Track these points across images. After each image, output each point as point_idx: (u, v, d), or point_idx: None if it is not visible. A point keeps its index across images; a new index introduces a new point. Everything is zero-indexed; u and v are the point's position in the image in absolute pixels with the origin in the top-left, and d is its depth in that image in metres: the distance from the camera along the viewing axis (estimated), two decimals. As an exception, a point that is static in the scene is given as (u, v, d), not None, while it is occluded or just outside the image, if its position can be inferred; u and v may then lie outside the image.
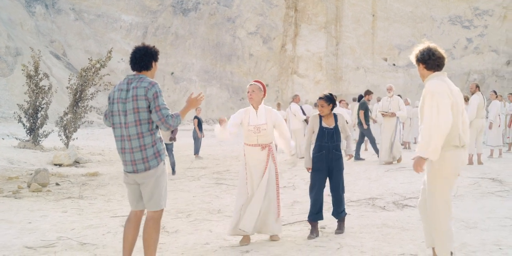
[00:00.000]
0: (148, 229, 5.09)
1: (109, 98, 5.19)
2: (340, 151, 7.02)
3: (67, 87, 18.84)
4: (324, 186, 6.96)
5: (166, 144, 12.95)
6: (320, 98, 7.05)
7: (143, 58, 5.13)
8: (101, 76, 18.83)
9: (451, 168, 4.84)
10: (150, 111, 4.96)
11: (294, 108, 16.99)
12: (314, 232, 6.83)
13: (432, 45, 5.04)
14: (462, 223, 7.21)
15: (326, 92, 7.26)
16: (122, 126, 5.03)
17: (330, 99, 6.97)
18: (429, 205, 4.97)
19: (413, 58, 5.13)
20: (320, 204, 6.94)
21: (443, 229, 4.84)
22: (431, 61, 4.97)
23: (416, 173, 4.97)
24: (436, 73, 5.01)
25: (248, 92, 6.77)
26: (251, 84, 6.82)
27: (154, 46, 5.26)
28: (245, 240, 6.63)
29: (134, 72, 5.20)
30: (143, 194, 5.12)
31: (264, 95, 6.86)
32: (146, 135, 4.97)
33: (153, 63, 5.20)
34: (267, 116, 6.72)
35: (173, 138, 13.57)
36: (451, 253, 4.78)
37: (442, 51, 5.04)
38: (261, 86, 6.81)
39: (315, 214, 6.88)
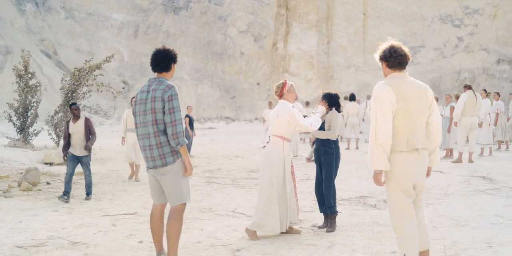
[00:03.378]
0: (171, 220, 5.37)
1: (135, 100, 5.58)
2: (327, 147, 7.24)
3: (61, 89, 18.75)
4: (320, 179, 7.32)
5: (79, 156, 10.21)
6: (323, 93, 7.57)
7: (164, 60, 5.47)
8: (95, 77, 18.76)
9: (399, 171, 4.72)
10: (164, 112, 5.27)
11: (299, 107, 16.84)
12: (323, 222, 7.27)
13: (396, 43, 4.87)
14: (452, 221, 7.24)
15: (329, 91, 7.69)
16: (142, 125, 5.38)
17: (324, 96, 7.40)
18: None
19: (376, 57, 4.97)
20: (319, 196, 7.35)
21: (396, 231, 4.79)
22: (392, 58, 4.80)
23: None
24: (395, 74, 4.85)
25: (293, 92, 6.98)
26: (292, 84, 7.03)
27: (173, 49, 5.59)
28: (254, 235, 6.81)
29: (155, 74, 5.52)
30: (164, 189, 5.43)
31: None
32: (161, 134, 5.30)
33: (172, 65, 5.54)
34: None
35: (88, 147, 10.21)
36: (404, 255, 4.69)
37: (406, 49, 4.87)
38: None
39: (319, 206, 7.39)
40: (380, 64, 4.97)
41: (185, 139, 5.28)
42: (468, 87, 13.89)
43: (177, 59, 5.59)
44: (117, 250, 6.30)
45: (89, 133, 10.31)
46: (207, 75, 42.50)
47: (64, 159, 10.61)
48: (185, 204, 5.46)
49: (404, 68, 4.87)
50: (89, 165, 10.41)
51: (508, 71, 37.84)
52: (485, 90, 16.70)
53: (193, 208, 8.90)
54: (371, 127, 4.76)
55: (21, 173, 12.66)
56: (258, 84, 42.20)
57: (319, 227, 7.18)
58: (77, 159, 10.27)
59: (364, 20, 42.43)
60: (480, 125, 15.26)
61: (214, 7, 43.38)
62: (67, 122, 10.43)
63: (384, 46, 4.91)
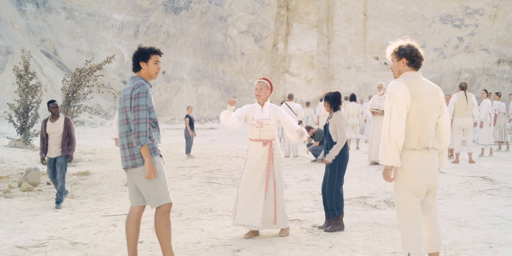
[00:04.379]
0: (157, 223, 5.25)
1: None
2: (329, 150, 7.19)
3: (62, 89, 18.78)
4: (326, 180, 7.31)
5: (54, 158, 9.43)
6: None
7: (133, 60, 5.32)
8: (95, 77, 18.78)
9: (409, 169, 4.73)
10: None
11: (296, 107, 16.83)
12: (324, 222, 7.24)
13: (415, 43, 4.89)
14: (453, 221, 7.23)
15: (331, 91, 7.64)
16: (120, 124, 5.22)
17: (326, 98, 7.37)
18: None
19: (392, 52, 4.90)
20: (323, 196, 7.29)
21: (402, 229, 4.78)
22: (417, 58, 4.82)
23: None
24: (410, 72, 4.86)
25: (256, 89, 7.00)
26: (259, 82, 7.06)
27: (144, 47, 5.32)
28: (250, 233, 6.81)
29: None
30: (141, 192, 5.23)
31: (271, 92, 7.14)
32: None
33: (141, 63, 5.27)
34: (271, 113, 6.97)
35: (71, 158, 9.62)
36: (408, 254, 4.68)
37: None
38: (268, 84, 7.09)
39: (324, 206, 7.31)
40: (396, 60, 4.91)
41: (147, 139, 5.00)
42: (461, 88, 13.83)
43: (149, 55, 5.24)
44: (117, 250, 6.30)
45: (67, 135, 9.47)
46: (208, 75, 42.50)
47: (43, 163, 9.62)
48: (169, 204, 5.22)
49: (419, 68, 4.91)
50: (65, 168, 9.43)
51: (509, 71, 37.82)
52: (485, 90, 16.67)
53: (193, 208, 8.91)
54: (384, 123, 4.78)
55: (22, 173, 12.66)
56: (258, 84, 42.18)
57: (320, 227, 7.17)
58: (55, 162, 9.47)
59: (364, 21, 42.42)
60: (480, 125, 15.24)
61: (214, 7, 43.39)
62: (45, 121, 9.57)
63: (403, 43, 4.89)
